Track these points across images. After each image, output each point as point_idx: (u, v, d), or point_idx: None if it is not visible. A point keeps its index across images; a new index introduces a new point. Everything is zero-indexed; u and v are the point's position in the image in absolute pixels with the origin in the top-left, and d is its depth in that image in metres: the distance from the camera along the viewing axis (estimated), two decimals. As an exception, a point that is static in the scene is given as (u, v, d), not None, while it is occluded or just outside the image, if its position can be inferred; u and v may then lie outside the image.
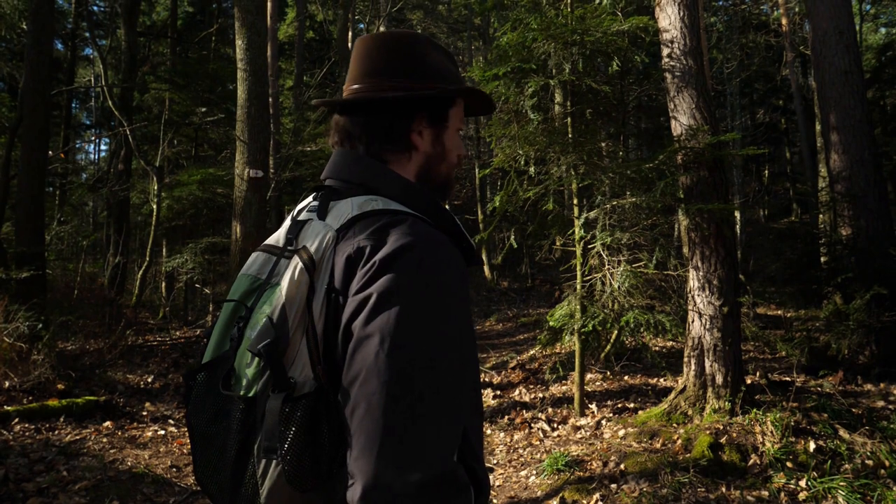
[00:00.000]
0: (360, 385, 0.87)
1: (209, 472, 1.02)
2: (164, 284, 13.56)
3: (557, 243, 5.76)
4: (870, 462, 3.79)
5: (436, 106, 1.14)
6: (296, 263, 0.98)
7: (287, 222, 1.13)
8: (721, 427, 4.27)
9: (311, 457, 0.91)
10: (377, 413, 0.85)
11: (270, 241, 1.12)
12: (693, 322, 4.75)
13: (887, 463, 3.74)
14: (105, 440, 4.94)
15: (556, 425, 5.17)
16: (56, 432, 4.98)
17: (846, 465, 3.78)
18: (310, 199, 1.16)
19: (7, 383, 5.57)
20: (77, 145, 23.04)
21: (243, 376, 0.98)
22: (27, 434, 4.82)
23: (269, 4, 10.60)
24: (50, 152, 10.19)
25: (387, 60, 1.13)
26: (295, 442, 0.91)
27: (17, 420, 5.01)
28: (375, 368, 0.86)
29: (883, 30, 21.45)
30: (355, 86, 1.15)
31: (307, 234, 1.02)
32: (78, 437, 4.91)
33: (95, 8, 16.62)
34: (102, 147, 29.51)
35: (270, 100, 9.85)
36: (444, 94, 1.14)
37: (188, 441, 4.87)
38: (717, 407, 4.52)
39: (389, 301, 0.89)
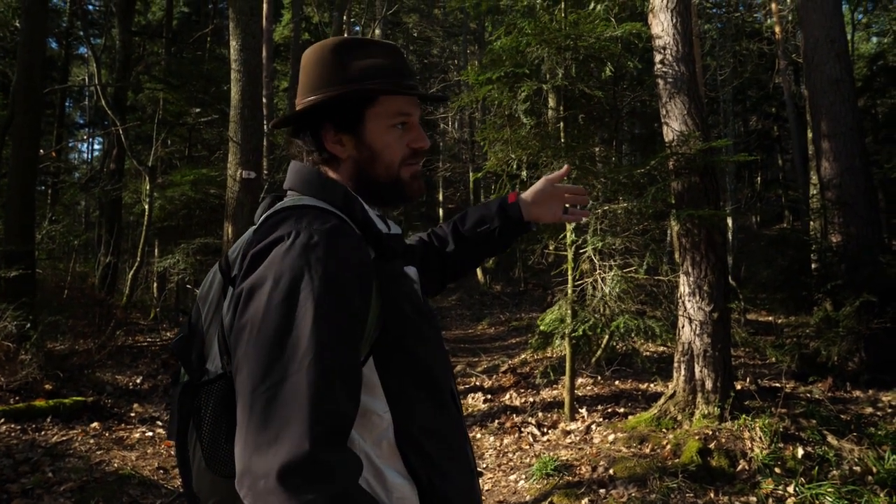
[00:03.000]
0: (237, 375, 0.90)
1: (178, 460, 1.10)
2: (155, 285, 13.49)
3: (550, 247, 5.77)
4: (857, 468, 3.80)
5: (342, 110, 1.12)
6: (216, 265, 1.07)
7: None
8: (710, 432, 4.28)
9: (227, 443, 0.94)
10: (245, 400, 0.87)
11: None
12: (683, 327, 4.76)
13: (875, 469, 3.76)
14: (92, 441, 4.90)
15: (545, 430, 5.17)
16: (42, 433, 4.94)
17: (834, 472, 3.80)
18: None
19: (-6, 383, 5.52)
20: (70, 144, 22.92)
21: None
22: (13, 435, 4.78)
23: (264, 6, 10.59)
24: (41, 151, 10.13)
25: (306, 77, 1.16)
26: (208, 428, 0.96)
27: (2, 420, 4.96)
28: (245, 358, 0.89)
29: (875, 39, 21.63)
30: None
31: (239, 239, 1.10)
32: (64, 438, 4.87)
33: (90, 7, 16.55)
34: (95, 146, 29.40)
35: (265, 101, 9.85)
36: (329, 100, 1.10)
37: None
38: (706, 412, 4.53)
39: (254, 291, 0.92)
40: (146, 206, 11.12)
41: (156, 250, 13.29)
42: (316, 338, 0.89)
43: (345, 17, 15.49)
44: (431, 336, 1.10)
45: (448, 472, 1.05)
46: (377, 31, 16.46)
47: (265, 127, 9.83)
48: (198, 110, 12.41)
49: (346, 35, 16.22)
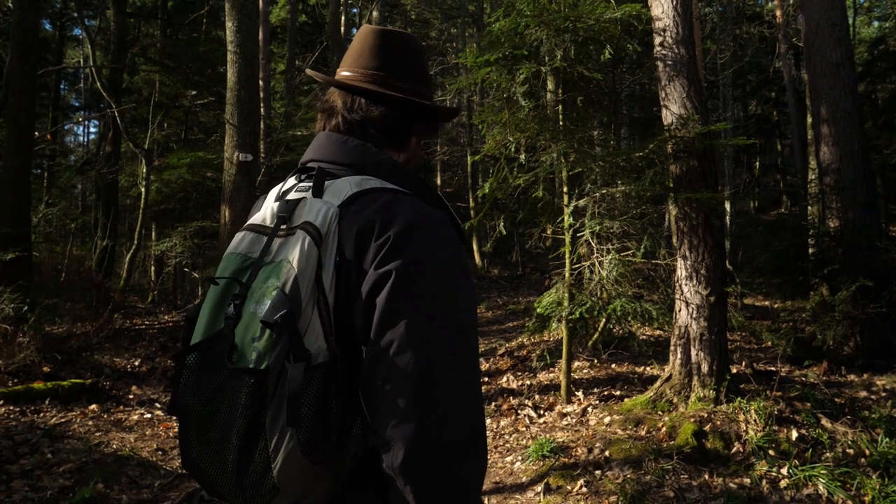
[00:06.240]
0: (393, 355, 0.92)
1: (209, 454, 0.99)
2: (152, 268, 13.48)
3: (548, 231, 5.76)
4: (850, 451, 3.84)
5: (432, 116, 1.24)
6: (303, 237, 0.98)
7: (271, 203, 1.11)
8: (705, 415, 4.31)
9: (322, 427, 0.94)
10: (415, 380, 0.91)
11: (256, 220, 1.10)
12: (680, 311, 4.77)
13: (868, 452, 3.79)
14: (91, 423, 4.93)
15: (542, 412, 5.20)
16: (41, 415, 4.96)
17: (827, 454, 3.83)
18: (293, 180, 1.15)
19: (-8, 365, 5.53)
20: (65, 127, 22.77)
21: (250, 350, 0.96)
22: (12, 416, 4.80)
23: (260, -14, 10.46)
24: (37, 133, 10.06)
25: (395, 57, 1.19)
26: (308, 412, 0.92)
27: (1, 402, 4.98)
28: (408, 339, 0.91)
29: (876, 23, 21.49)
30: (354, 72, 1.17)
31: (304, 211, 1.02)
32: (63, 420, 4.89)
33: (84, -13, 16.33)
34: (91, 129, 29.21)
35: (261, 83, 9.77)
36: (442, 109, 1.25)
37: (175, 424, 4.87)
38: (701, 395, 4.55)
39: (413, 276, 0.94)
40: (143, 190, 11.08)
41: (153, 233, 13.28)
42: (472, 325, 0.99)
43: (342, -1, 15.33)
44: None
45: None
46: (374, 13, 16.30)
47: (262, 109, 9.77)
48: (194, 93, 12.32)
49: (343, 17, 16.04)
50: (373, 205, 0.99)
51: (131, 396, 5.79)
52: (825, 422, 4.18)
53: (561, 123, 5.30)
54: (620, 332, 6.23)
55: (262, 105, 9.76)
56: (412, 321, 0.92)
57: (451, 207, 1.14)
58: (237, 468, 0.95)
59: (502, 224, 5.61)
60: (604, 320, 5.59)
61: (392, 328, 0.92)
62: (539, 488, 3.79)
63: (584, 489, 3.71)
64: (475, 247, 16.65)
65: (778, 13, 13.18)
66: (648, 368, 6.10)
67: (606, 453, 4.09)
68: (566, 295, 5.12)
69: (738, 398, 4.43)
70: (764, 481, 3.62)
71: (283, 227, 1.02)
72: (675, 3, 4.83)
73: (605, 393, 5.42)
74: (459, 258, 1.02)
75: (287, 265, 0.97)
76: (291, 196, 1.08)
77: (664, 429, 4.27)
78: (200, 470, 1.01)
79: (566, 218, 5.17)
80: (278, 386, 0.92)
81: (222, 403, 0.96)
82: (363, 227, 0.97)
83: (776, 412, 4.19)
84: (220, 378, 0.97)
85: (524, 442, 4.60)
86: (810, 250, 7.51)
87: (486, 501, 3.77)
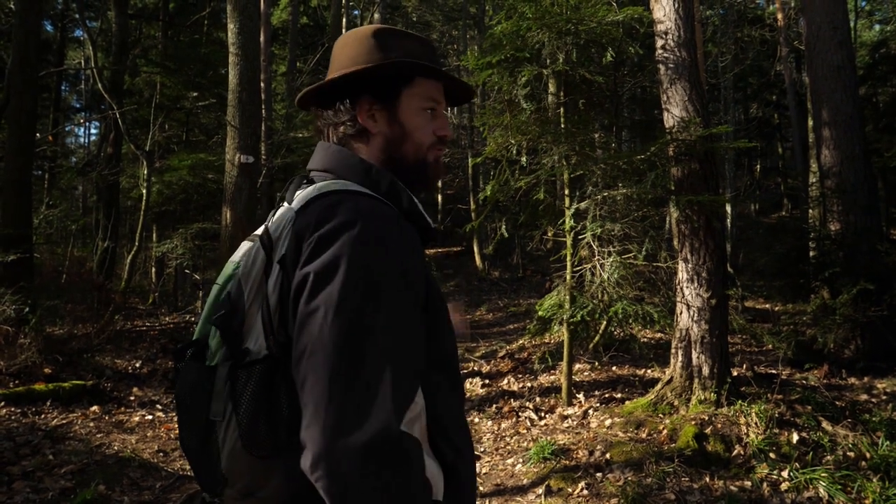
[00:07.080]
0: (307, 358, 0.91)
1: (191, 441, 1.07)
2: (153, 270, 13.49)
3: (549, 233, 5.76)
4: (851, 454, 3.84)
5: (380, 84, 1.15)
6: (255, 242, 1.05)
7: None
8: (706, 418, 4.31)
9: (266, 424, 0.95)
10: (323, 383, 0.89)
11: (258, 230, 1.17)
12: (681, 314, 4.77)
13: (868, 455, 3.79)
14: (92, 424, 4.93)
15: (543, 414, 5.20)
16: (42, 416, 4.96)
17: (828, 457, 3.83)
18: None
19: (-7, 366, 5.53)
20: (66, 128, 22.79)
21: (210, 348, 1.05)
22: (13, 418, 4.80)
23: (262, -12, 10.47)
24: (38, 135, 10.08)
25: (343, 55, 1.18)
26: (248, 408, 0.95)
27: (2, 403, 4.98)
28: (320, 341, 0.90)
29: (877, 26, 21.50)
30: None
31: (274, 217, 1.07)
32: (64, 422, 4.89)
33: (86, -11, 16.36)
34: (92, 131, 29.24)
35: (263, 85, 9.78)
36: (374, 69, 1.12)
37: (175, 426, 4.88)
38: (702, 398, 4.55)
39: (328, 276, 0.93)
40: (144, 191, 11.08)
41: (154, 235, 13.28)
42: (396, 327, 0.93)
43: (343, 0, 15.34)
44: (448, 320, 1.13)
45: (464, 453, 1.09)
46: (376, 15, 16.32)
47: (263, 111, 9.78)
48: (195, 94, 12.35)
49: (344, 18, 16.08)
50: (319, 208, 1.00)
51: (132, 398, 5.79)
52: (826, 425, 4.18)
53: (562, 126, 5.30)
54: (621, 334, 6.24)
55: (263, 107, 9.77)
56: (325, 322, 0.90)
57: (421, 207, 1.13)
58: (203, 456, 1.04)
59: (504, 226, 5.61)
60: (605, 323, 5.59)
61: (307, 330, 0.91)
62: (540, 490, 3.79)
63: (585, 491, 3.71)
64: (476, 249, 16.65)
65: (779, 16, 13.20)
66: (649, 371, 6.09)
67: (607, 456, 4.09)
68: (567, 297, 5.12)
69: (739, 401, 4.43)
70: (765, 484, 3.62)
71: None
72: (676, 6, 4.84)
73: (606, 395, 5.42)
74: (398, 257, 0.96)
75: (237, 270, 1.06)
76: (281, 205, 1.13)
77: (665, 431, 4.27)
78: (188, 456, 1.10)
79: (567, 220, 5.17)
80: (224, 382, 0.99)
81: (195, 396, 1.03)
82: (300, 229, 0.98)
83: (777, 415, 4.19)
84: (196, 372, 1.05)
85: (525, 444, 4.60)
86: (811, 253, 7.50)
87: (487, 503, 3.78)
